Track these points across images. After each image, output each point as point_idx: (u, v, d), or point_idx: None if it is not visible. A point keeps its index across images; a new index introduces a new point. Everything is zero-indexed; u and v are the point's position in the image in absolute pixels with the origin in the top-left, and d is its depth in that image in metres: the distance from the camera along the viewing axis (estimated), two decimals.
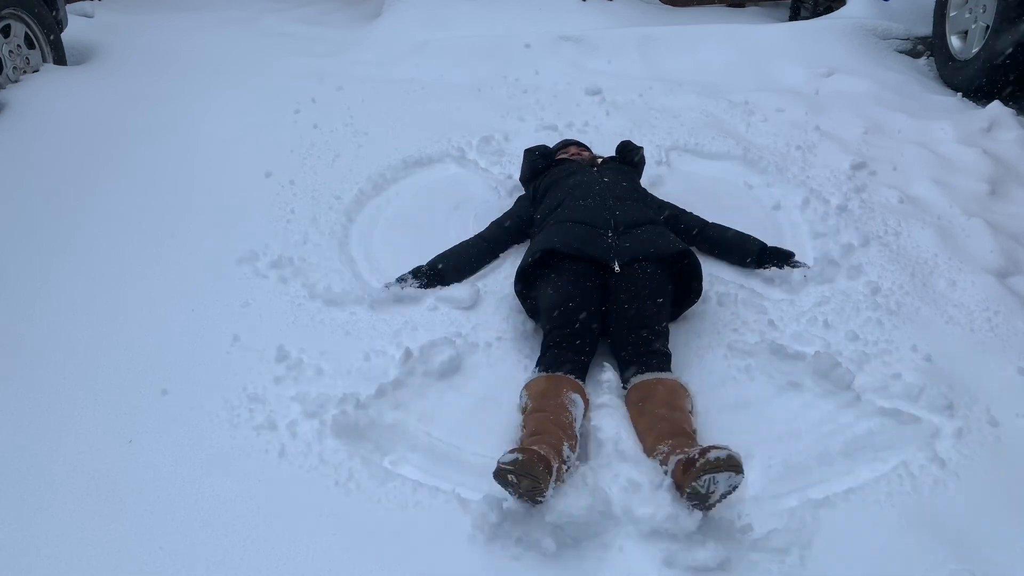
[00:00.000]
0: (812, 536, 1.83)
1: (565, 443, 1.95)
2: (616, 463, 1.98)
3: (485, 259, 2.90)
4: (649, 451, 2.01)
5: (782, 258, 2.87)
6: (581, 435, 2.10)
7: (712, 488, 1.78)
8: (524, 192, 3.26)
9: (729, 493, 1.81)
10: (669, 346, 2.38)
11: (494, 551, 1.80)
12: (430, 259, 2.81)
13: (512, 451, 1.81)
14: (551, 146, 3.41)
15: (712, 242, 2.94)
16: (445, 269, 2.77)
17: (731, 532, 1.85)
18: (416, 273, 2.75)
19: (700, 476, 1.77)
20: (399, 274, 2.76)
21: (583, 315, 2.37)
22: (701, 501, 1.81)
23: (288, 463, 2.00)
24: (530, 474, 1.76)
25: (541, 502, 1.82)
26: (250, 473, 1.97)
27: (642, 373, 2.26)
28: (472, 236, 2.95)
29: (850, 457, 2.09)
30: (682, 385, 2.23)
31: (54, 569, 1.72)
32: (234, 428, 2.11)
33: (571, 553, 1.80)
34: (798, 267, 2.84)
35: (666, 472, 1.89)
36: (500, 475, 1.79)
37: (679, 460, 1.85)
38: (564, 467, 1.91)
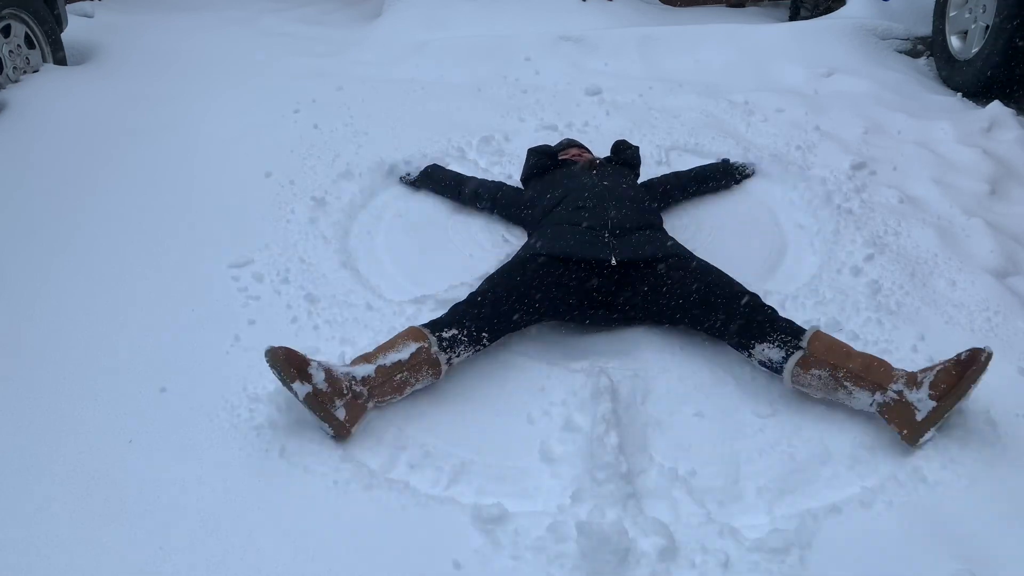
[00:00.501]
0: (812, 536, 1.83)
1: (359, 371, 2.10)
2: (612, 480, 1.95)
3: (453, 190, 3.28)
4: (885, 379, 2.10)
5: (733, 169, 3.46)
6: (575, 443, 2.11)
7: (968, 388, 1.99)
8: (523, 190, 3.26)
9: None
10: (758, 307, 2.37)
11: (492, 552, 1.80)
12: (430, 166, 3.41)
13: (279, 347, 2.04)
14: (553, 146, 3.42)
15: (691, 186, 3.31)
16: (422, 175, 3.39)
17: (731, 532, 1.85)
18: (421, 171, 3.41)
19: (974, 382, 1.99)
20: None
21: (516, 315, 2.37)
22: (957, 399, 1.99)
23: (288, 463, 2.00)
24: (276, 367, 1.99)
25: (295, 394, 2.00)
26: (250, 473, 1.97)
27: (797, 337, 2.23)
28: (464, 175, 3.34)
29: (850, 457, 2.09)
30: (819, 333, 2.25)
31: (54, 569, 1.72)
32: (234, 428, 2.11)
33: (569, 554, 1.80)
34: (747, 169, 3.50)
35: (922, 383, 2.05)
36: (269, 364, 2.02)
37: (937, 375, 2.04)
38: (354, 391, 2.08)
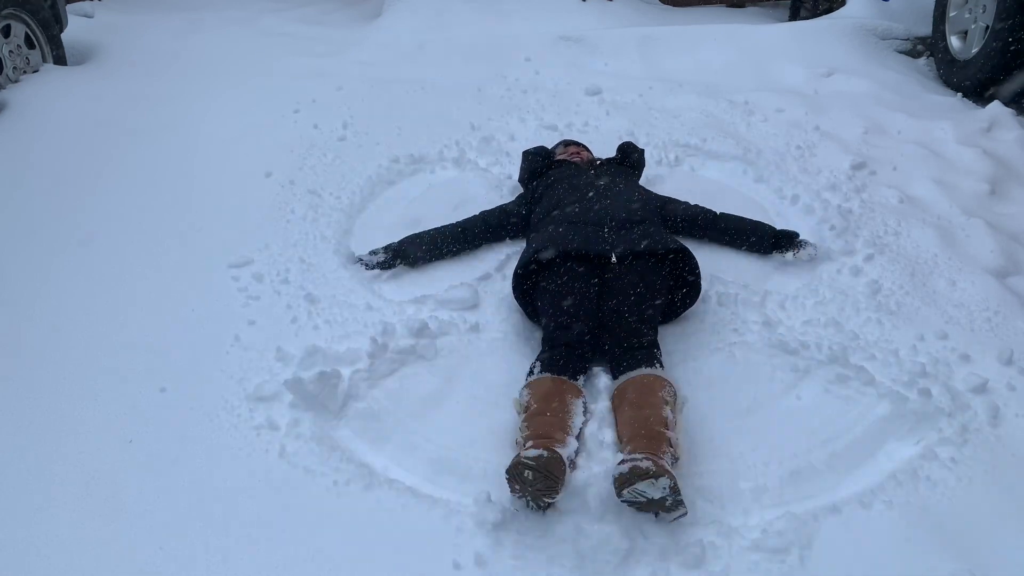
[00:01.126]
0: (812, 536, 1.83)
1: (571, 449, 1.97)
2: (612, 480, 1.93)
3: (456, 246, 2.91)
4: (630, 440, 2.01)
5: (790, 240, 2.90)
6: (582, 443, 2.10)
7: (645, 497, 1.79)
8: (523, 192, 3.26)
9: (672, 495, 1.80)
10: (656, 336, 2.37)
11: (492, 552, 1.80)
12: (401, 237, 2.89)
13: (536, 446, 1.83)
14: (549, 147, 3.41)
15: (726, 230, 2.95)
16: (410, 247, 2.84)
17: (731, 532, 1.86)
18: (386, 248, 2.85)
19: (621, 492, 1.80)
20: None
21: (582, 314, 2.37)
22: (643, 508, 1.83)
23: (288, 463, 2.00)
24: (551, 473, 1.78)
25: (550, 504, 1.84)
26: (250, 473, 1.97)
27: (622, 375, 2.25)
28: (453, 222, 2.97)
29: (850, 457, 2.09)
30: (658, 376, 2.20)
31: (54, 569, 1.72)
32: (234, 428, 2.11)
33: (569, 554, 1.80)
34: (806, 248, 2.87)
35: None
36: (516, 469, 1.80)
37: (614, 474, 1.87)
38: (570, 472, 1.92)
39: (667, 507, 1.83)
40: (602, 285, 2.46)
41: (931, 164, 3.58)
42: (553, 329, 2.37)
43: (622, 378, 2.24)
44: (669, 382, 2.20)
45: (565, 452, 1.92)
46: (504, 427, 2.18)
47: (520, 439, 2.03)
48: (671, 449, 1.96)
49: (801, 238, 2.91)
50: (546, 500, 1.83)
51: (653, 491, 1.78)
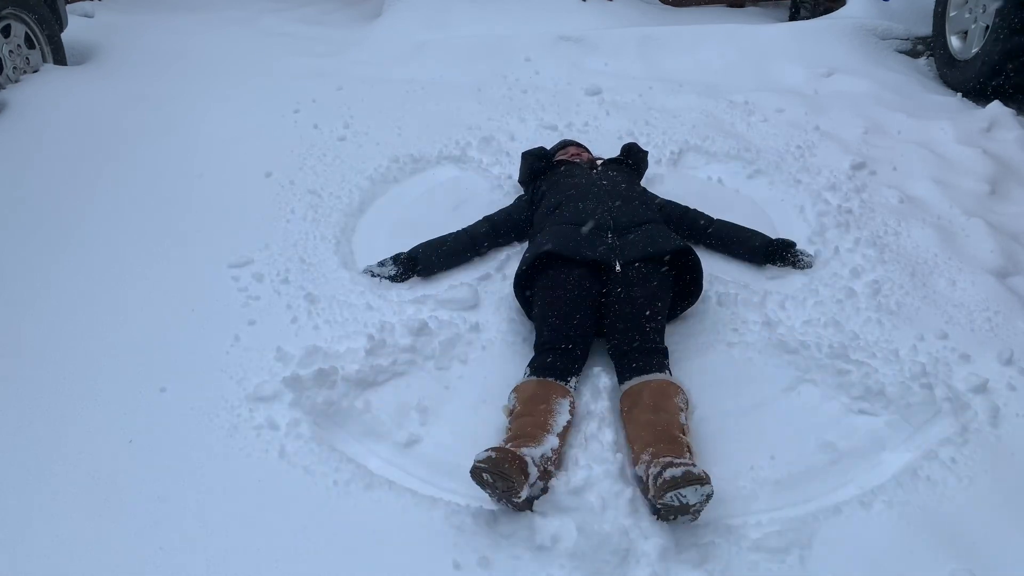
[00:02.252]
0: (812, 536, 1.83)
1: (547, 447, 1.96)
2: (612, 480, 1.94)
3: (465, 254, 2.90)
4: (635, 461, 2.00)
5: (786, 249, 2.88)
6: (575, 443, 2.10)
7: (683, 501, 1.78)
8: (523, 192, 3.26)
9: (704, 502, 1.80)
10: (664, 342, 2.37)
11: (492, 552, 1.80)
12: (411, 247, 2.85)
13: (487, 449, 1.83)
14: (549, 148, 3.41)
15: (722, 237, 2.95)
16: (422, 258, 2.81)
17: (731, 532, 1.85)
18: (396, 259, 2.81)
19: (664, 494, 1.78)
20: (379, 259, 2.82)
21: (576, 320, 2.36)
22: (678, 513, 1.82)
23: (288, 463, 2.00)
24: (503, 473, 1.77)
25: (518, 502, 1.84)
26: (250, 473, 1.97)
27: (632, 378, 2.24)
28: (458, 229, 2.94)
29: (850, 457, 2.09)
30: (671, 382, 2.21)
31: (54, 569, 1.72)
32: (234, 428, 2.11)
33: (569, 554, 1.80)
34: (802, 260, 2.86)
35: (643, 486, 1.90)
36: (475, 473, 1.81)
37: (648, 476, 1.87)
38: (547, 470, 1.92)
39: (690, 513, 1.82)
40: (606, 290, 2.45)
41: (931, 164, 3.58)
42: (545, 333, 2.37)
43: (633, 381, 2.23)
44: (682, 389, 2.21)
45: (535, 450, 1.90)
46: (503, 427, 2.18)
47: (504, 440, 2.03)
48: (689, 455, 1.96)
49: (798, 248, 2.90)
50: (514, 500, 1.83)
51: (693, 497, 1.77)
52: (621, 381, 2.28)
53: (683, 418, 2.11)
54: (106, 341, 2.42)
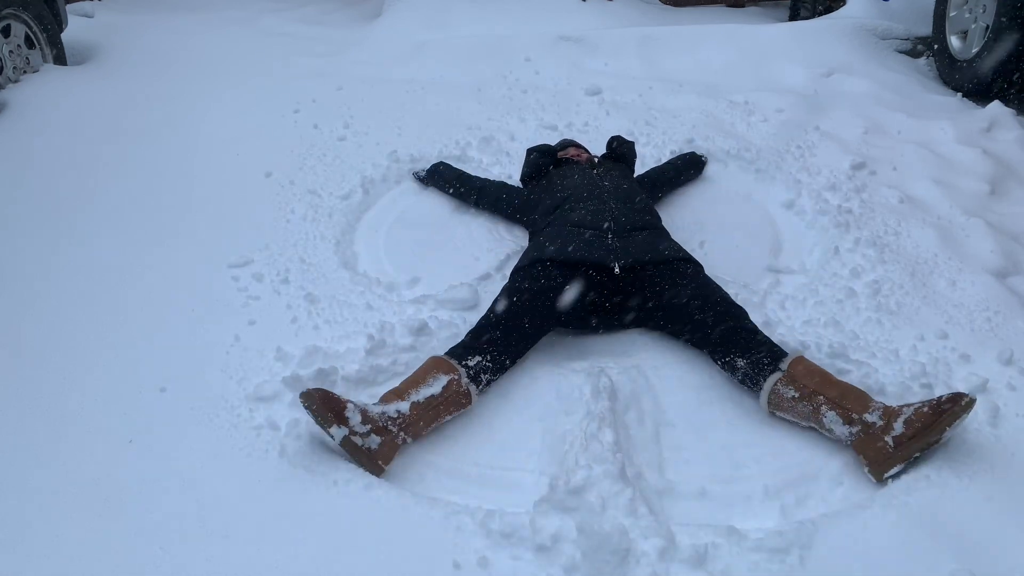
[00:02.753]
0: (812, 536, 1.83)
1: (392, 408, 2.06)
2: (612, 480, 1.94)
3: (473, 197, 3.24)
4: (861, 409, 2.04)
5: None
6: (575, 443, 2.09)
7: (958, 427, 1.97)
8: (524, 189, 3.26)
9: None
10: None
11: (492, 552, 1.80)
12: (439, 163, 3.45)
13: (314, 389, 2.02)
14: (552, 145, 3.41)
15: (670, 179, 3.39)
16: (441, 176, 3.36)
17: (732, 532, 1.85)
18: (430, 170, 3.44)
19: (947, 426, 1.94)
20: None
21: (529, 332, 2.36)
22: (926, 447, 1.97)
23: (288, 463, 2.00)
24: (311, 410, 1.98)
25: (335, 444, 1.99)
26: (250, 473, 1.97)
27: (774, 371, 2.17)
28: (469, 174, 3.36)
29: (850, 457, 2.09)
30: (800, 358, 2.21)
31: (54, 569, 1.72)
32: (234, 428, 2.10)
33: (568, 554, 1.80)
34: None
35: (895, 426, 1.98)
36: (302, 400, 2.00)
37: (914, 413, 1.98)
38: (386, 428, 2.02)
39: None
40: (606, 290, 2.45)
41: (931, 164, 3.58)
42: (506, 322, 2.34)
43: (782, 366, 2.16)
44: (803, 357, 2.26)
45: (377, 407, 2.05)
46: (500, 431, 2.18)
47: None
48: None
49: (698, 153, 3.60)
50: (330, 435, 1.97)
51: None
52: (757, 372, 2.19)
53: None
54: (106, 341, 2.42)
